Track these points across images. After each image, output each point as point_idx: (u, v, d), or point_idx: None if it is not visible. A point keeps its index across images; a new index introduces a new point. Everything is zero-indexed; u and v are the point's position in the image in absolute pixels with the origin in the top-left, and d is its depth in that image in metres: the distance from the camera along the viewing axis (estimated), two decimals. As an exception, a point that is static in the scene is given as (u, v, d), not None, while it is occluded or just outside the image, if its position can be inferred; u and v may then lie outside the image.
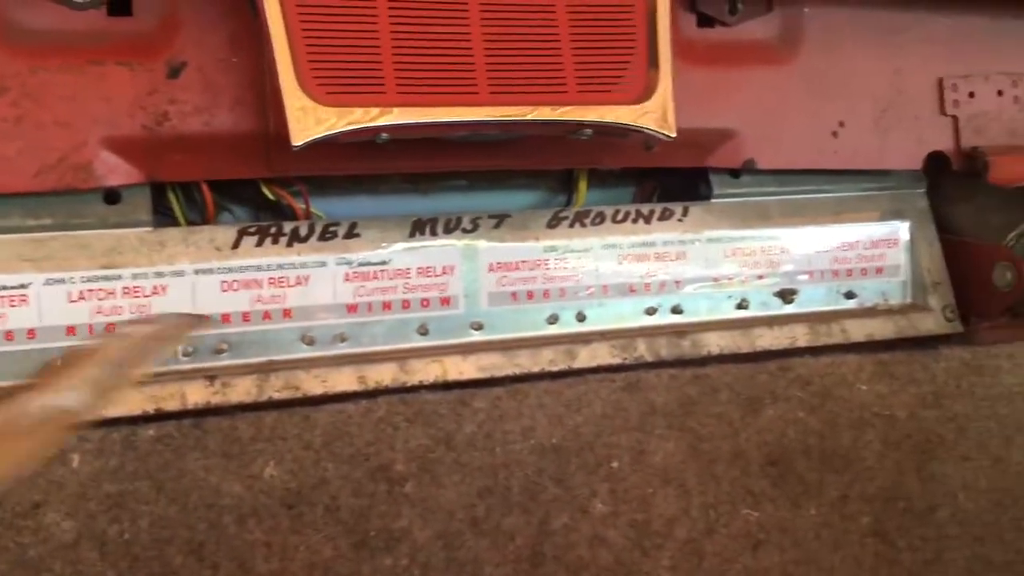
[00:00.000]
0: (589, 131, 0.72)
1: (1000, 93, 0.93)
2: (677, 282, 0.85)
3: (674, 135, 0.71)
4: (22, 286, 0.69)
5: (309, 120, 0.64)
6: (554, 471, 0.77)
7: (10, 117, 0.67)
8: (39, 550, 0.66)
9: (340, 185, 0.83)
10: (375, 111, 0.66)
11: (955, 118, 0.92)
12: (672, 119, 0.71)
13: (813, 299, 0.90)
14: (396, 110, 0.66)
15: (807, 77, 0.88)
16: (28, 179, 0.68)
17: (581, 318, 0.82)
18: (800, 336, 0.87)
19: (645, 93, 0.72)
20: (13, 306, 0.69)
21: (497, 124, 0.69)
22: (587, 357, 0.80)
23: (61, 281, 0.70)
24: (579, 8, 0.70)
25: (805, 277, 0.90)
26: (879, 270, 0.93)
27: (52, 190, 0.69)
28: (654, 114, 0.71)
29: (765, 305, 0.89)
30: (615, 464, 0.79)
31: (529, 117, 0.69)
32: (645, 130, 0.71)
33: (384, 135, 0.68)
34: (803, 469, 0.84)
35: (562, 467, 0.77)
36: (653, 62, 0.72)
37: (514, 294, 0.80)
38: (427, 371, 0.76)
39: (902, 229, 0.94)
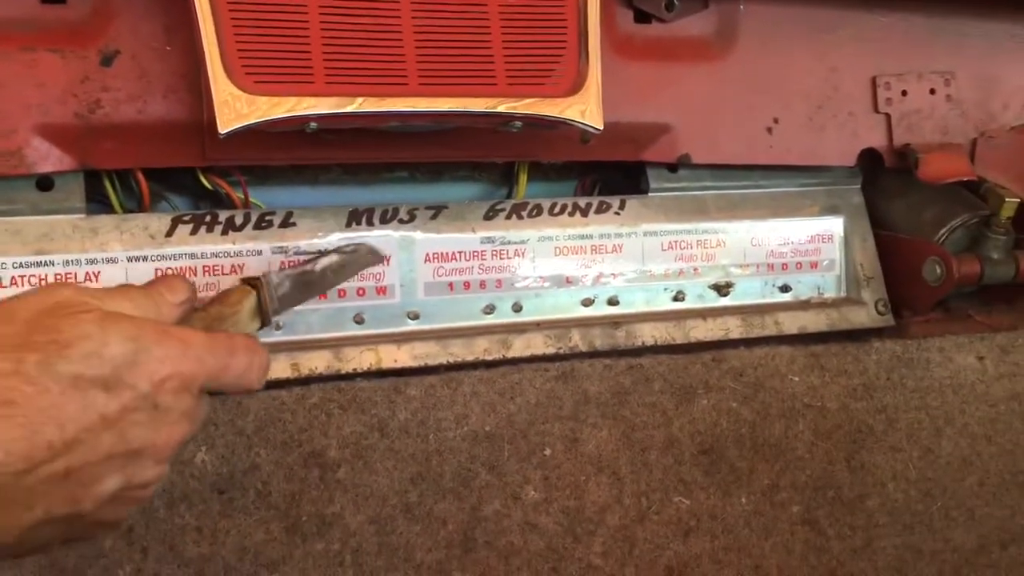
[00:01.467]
0: (519, 123, 0.73)
1: (932, 91, 0.95)
2: (613, 274, 0.87)
3: (600, 128, 0.73)
4: (-47, 271, 0.69)
5: (236, 108, 0.65)
6: (487, 458, 0.78)
7: (-62, 103, 0.68)
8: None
9: (280, 175, 0.84)
10: (303, 100, 0.67)
11: (888, 115, 0.94)
12: (599, 112, 0.73)
13: (748, 292, 0.92)
14: (324, 99, 0.67)
15: (742, 73, 0.90)
16: (-43, 164, 0.68)
17: (517, 308, 0.83)
18: (734, 328, 0.89)
19: (575, 86, 0.73)
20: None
21: (426, 115, 0.70)
22: (522, 347, 0.81)
23: (-8, 266, 0.70)
24: (510, 1, 0.71)
25: (741, 271, 0.92)
26: (814, 264, 0.95)
27: (-18, 176, 0.69)
28: (582, 107, 0.72)
29: (701, 298, 0.90)
30: (548, 452, 0.80)
31: (457, 108, 0.70)
32: (572, 123, 0.72)
33: (313, 124, 0.68)
34: (735, 458, 0.86)
35: (495, 454, 0.79)
36: (584, 56, 0.73)
37: (451, 284, 0.81)
38: (362, 359, 0.77)
39: (837, 224, 0.96)
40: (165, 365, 0.50)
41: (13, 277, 0.71)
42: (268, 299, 0.64)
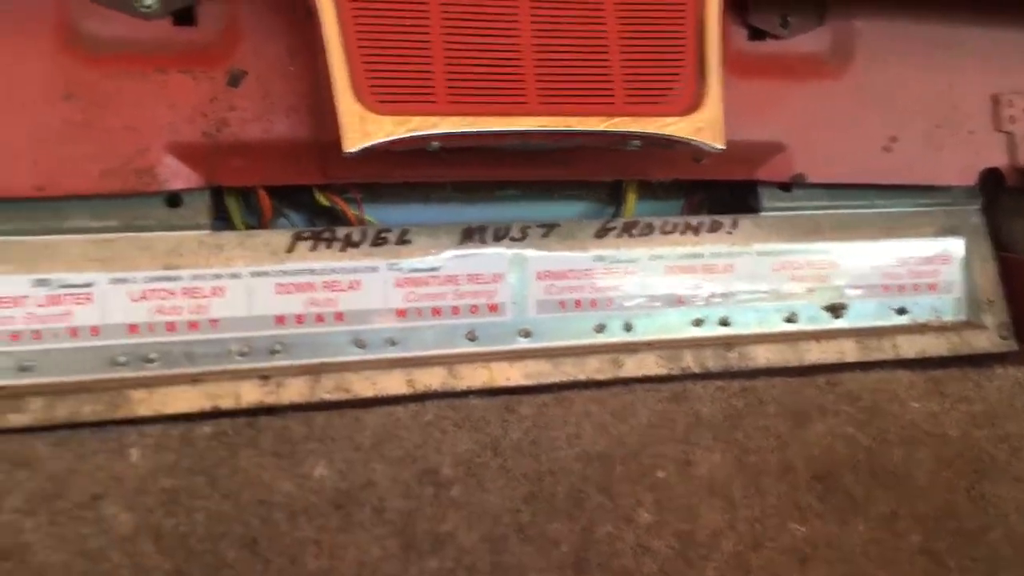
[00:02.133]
0: (637, 142, 0.73)
1: (1058, 109, 0.92)
2: (725, 294, 0.85)
3: (722, 147, 0.72)
4: (87, 285, 0.72)
5: (362, 128, 0.66)
6: (599, 479, 0.77)
7: (79, 122, 0.70)
8: (99, 541, 0.68)
9: (392, 193, 0.85)
10: (426, 120, 0.67)
11: (1010, 134, 0.91)
12: (721, 131, 0.72)
13: (863, 314, 0.89)
14: (447, 119, 0.68)
15: (859, 91, 0.88)
16: (94, 181, 0.71)
17: (628, 328, 0.82)
18: (849, 351, 0.87)
19: (694, 105, 0.73)
20: (79, 304, 0.71)
21: (545, 134, 0.70)
22: (634, 367, 0.80)
23: (124, 281, 0.72)
24: (629, 19, 0.71)
25: (855, 292, 0.89)
26: (932, 286, 0.92)
27: (117, 193, 0.71)
28: (703, 126, 0.71)
29: (814, 319, 0.88)
30: (661, 474, 0.79)
31: (577, 127, 0.70)
32: (693, 142, 0.71)
33: (435, 144, 0.69)
34: (851, 484, 0.83)
35: (607, 475, 0.78)
36: (702, 74, 0.73)
37: (562, 302, 0.81)
38: (475, 376, 0.77)
39: (956, 245, 0.93)
40: None
41: (144, 291, 0.73)
42: None
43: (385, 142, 0.66)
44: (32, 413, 0.69)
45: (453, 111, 0.68)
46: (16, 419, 0.69)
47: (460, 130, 0.68)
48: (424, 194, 0.86)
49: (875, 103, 0.89)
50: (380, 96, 0.67)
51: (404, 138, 0.67)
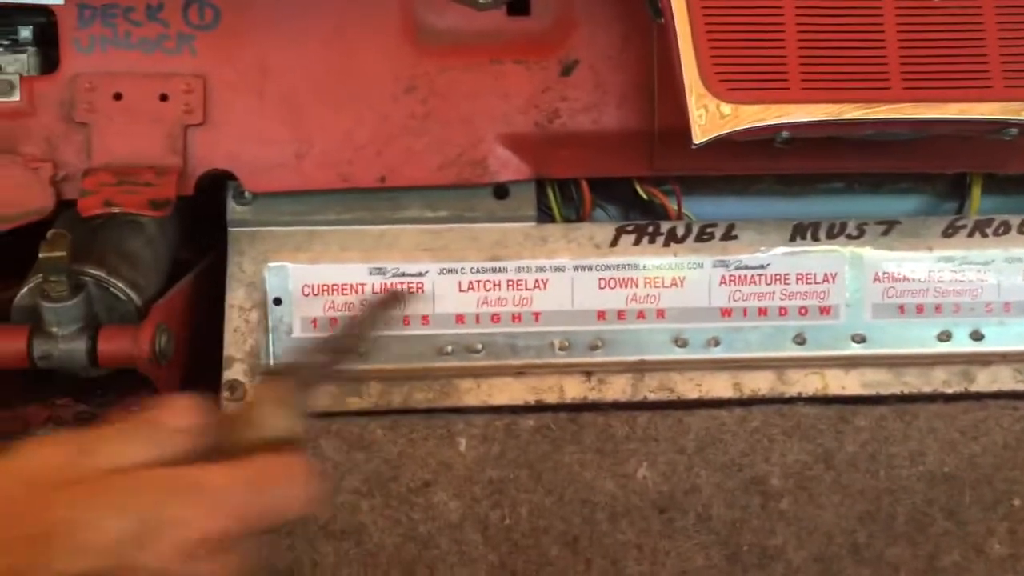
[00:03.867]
0: (1014, 131, 0.65)
1: None
2: (1096, 303, 0.75)
3: (1125, 136, 0.63)
4: (420, 274, 0.73)
5: (712, 117, 0.63)
6: (945, 503, 0.71)
7: (419, 114, 0.71)
8: (428, 527, 0.70)
9: (709, 185, 0.81)
10: (780, 108, 0.63)
11: None
12: (1119, 118, 0.63)
13: None
14: (801, 107, 0.63)
15: None
16: (431, 172, 0.72)
17: (978, 337, 0.74)
18: None
19: (1084, 89, 0.64)
20: (411, 292, 0.73)
21: (910, 122, 0.64)
22: (986, 380, 0.73)
23: (453, 271, 0.73)
24: (1008, -6, 0.63)
25: None
26: None
27: (451, 184, 0.72)
28: (1099, 112, 0.62)
29: None
30: (1016, 502, 0.71)
31: (949, 115, 0.63)
32: (1087, 130, 0.63)
33: (784, 133, 0.65)
34: None
35: (955, 499, 0.71)
36: (1098, 52, 0.63)
37: (901, 307, 0.74)
38: (806, 383, 0.72)
39: None
40: (181, 535, 0.37)
41: (471, 282, 0.73)
42: (299, 385, 0.48)
43: (735, 132, 0.63)
44: (371, 398, 0.71)
45: (808, 98, 0.63)
46: (356, 403, 0.71)
47: (816, 119, 0.63)
48: (743, 186, 0.81)
49: None
50: (730, 84, 0.63)
51: (755, 127, 0.63)
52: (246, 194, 0.72)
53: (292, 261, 0.73)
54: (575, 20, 0.73)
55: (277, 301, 0.72)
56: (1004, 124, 0.64)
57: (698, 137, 0.63)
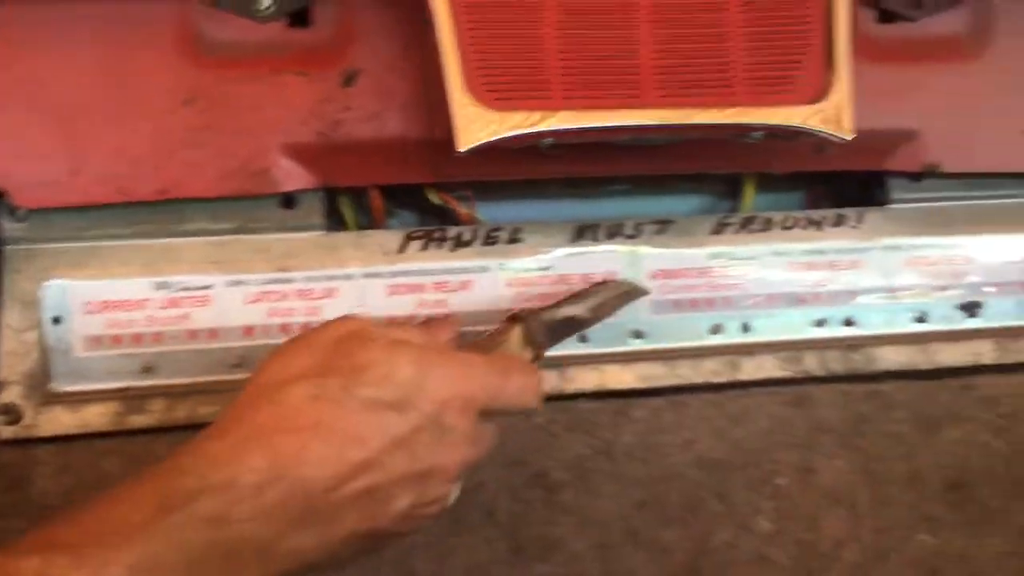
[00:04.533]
0: (759, 133, 0.69)
1: None
2: (850, 293, 0.81)
3: (850, 137, 0.68)
4: (206, 287, 0.73)
5: (476, 125, 0.65)
6: (715, 486, 0.75)
7: (197, 125, 0.71)
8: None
9: (503, 190, 0.84)
10: (541, 116, 0.66)
11: None
12: (849, 121, 0.68)
13: (1002, 313, 0.84)
14: (561, 114, 0.66)
15: (999, 73, 0.82)
16: (213, 184, 0.72)
17: (746, 328, 0.79)
18: (986, 352, 0.81)
19: (820, 93, 0.69)
20: (197, 306, 0.73)
21: (663, 128, 0.68)
22: (752, 369, 0.77)
23: (240, 283, 0.73)
24: (752, 6, 0.68)
25: (993, 289, 0.84)
26: (1079, 282, 0.85)
27: (234, 195, 0.72)
28: (829, 115, 0.68)
29: (947, 319, 0.83)
30: (780, 481, 0.76)
31: (696, 120, 0.67)
32: (819, 132, 0.68)
33: (548, 140, 0.67)
34: (987, 496, 0.79)
35: (724, 482, 0.75)
36: (829, 60, 0.69)
37: (676, 302, 0.78)
38: (586, 379, 0.76)
39: (1108, 237, 0.86)
40: (447, 387, 0.52)
41: (258, 293, 0.73)
42: (536, 331, 0.64)
43: (498, 139, 0.65)
44: (154, 415, 0.71)
45: (568, 106, 0.66)
46: (139, 420, 0.71)
47: (575, 126, 0.66)
48: (537, 191, 0.84)
49: (1017, 86, 0.83)
50: (493, 93, 0.65)
51: (517, 135, 0.65)
52: (19, 211, 0.71)
53: (71, 278, 0.71)
54: (356, 31, 0.74)
55: (56, 320, 0.71)
56: (748, 128, 0.68)
57: (462, 145, 0.65)
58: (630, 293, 0.73)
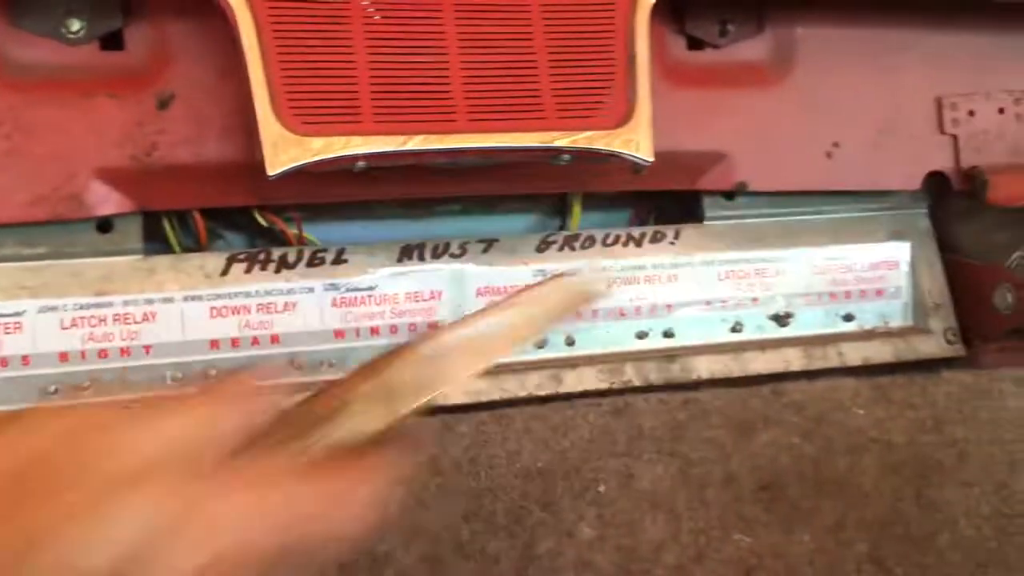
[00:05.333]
0: (567, 156, 0.72)
1: (1002, 111, 0.92)
2: (668, 305, 0.85)
3: (650, 160, 0.72)
4: (17, 314, 0.71)
5: (285, 150, 0.66)
6: (540, 495, 0.77)
7: (4, 150, 0.70)
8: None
9: (333, 211, 0.85)
10: (351, 140, 0.67)
11: (955, 137, 0.91)
12: (648, 144, 0.72)
13: (809, 322, 0.89)
14: (372, 139, 0.67)
15: (800, 98, 0.88)
16: (22, 209, 0.70)
17: (570, 343, 0.82)
18: (795, 360, 0.87)
19: (625, 118, 0.72)
20: (8, 333, 0.71)
21: (474, 151, 0.70)
22: (574, 382, 0.80)
23: (54, 308, 0.72)
24: (557, 34, 0.71)
25: (801, 300, 0.89)
26: (879, 292, 0.92)
27: (46, 220, 0.71)
28: (630, 139, 0.71)
29: (760, 328, 0.88)
30: (602, 488, 0.79)
31: (505, 144, 0.70)
32: (621, 155, 0.71)
33: (361, 163, 0.69)
34: (797, 495, 0.83)
35: (548, 491, 0.77)
36: (632, 88, 0.72)
37: (502, 318, 0.81)
38: (412, 395, 0.77)
39: (903, 250, 0.93)
40: (208, 545, 0.31)
41: (74, 319, 0.72)
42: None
43: (308, 164, 0.66)
44: (-39, 444, 0.69)
45: (379, 131, 0.67)
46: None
47: (385, 150, 0.67)
48: (365, 212, 0.86)
49: (817, 109, 0.89)
50: (302, 117, 0.66)
51: (327, 159, 0.66)
52: None
53: None
54: (171, 55, 0.74)
55: None
56: (556, 151, 0.71)
57: (272, 169, 0.65)
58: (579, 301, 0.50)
